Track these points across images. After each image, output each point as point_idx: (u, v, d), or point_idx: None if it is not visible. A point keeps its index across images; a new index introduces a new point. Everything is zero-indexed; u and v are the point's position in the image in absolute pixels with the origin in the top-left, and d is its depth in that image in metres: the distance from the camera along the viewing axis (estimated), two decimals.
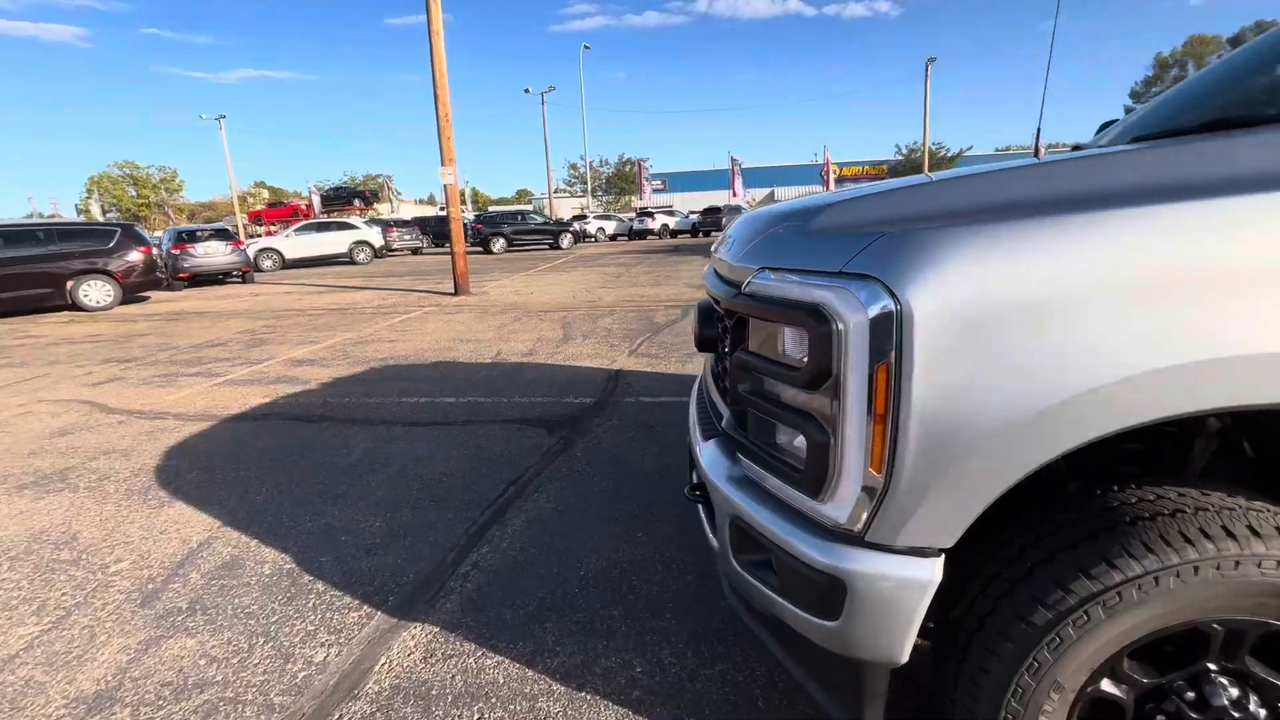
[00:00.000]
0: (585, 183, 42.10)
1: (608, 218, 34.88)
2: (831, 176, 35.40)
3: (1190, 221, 0.92)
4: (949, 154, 44.98)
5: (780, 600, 1.22)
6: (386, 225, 25.96)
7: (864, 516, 1.05)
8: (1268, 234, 0.89)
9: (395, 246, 25.81)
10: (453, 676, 1.77)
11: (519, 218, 26.38)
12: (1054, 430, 0.93)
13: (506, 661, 1.82)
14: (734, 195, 35.61)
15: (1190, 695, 1.04)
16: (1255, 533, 0.95)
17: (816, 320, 1.03)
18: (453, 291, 11.09)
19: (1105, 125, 2.57)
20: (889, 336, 0.96)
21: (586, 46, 36.36)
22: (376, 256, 22.53)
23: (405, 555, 2.42)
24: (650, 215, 32.99)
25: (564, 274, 14.30)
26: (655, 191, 48.40)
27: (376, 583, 2.25)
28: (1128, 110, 39.25)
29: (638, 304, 8.89)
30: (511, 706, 1.65)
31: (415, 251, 27.21)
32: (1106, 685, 1.06)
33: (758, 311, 1.22)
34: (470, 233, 23.11)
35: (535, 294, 10.65)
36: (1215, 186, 0.94)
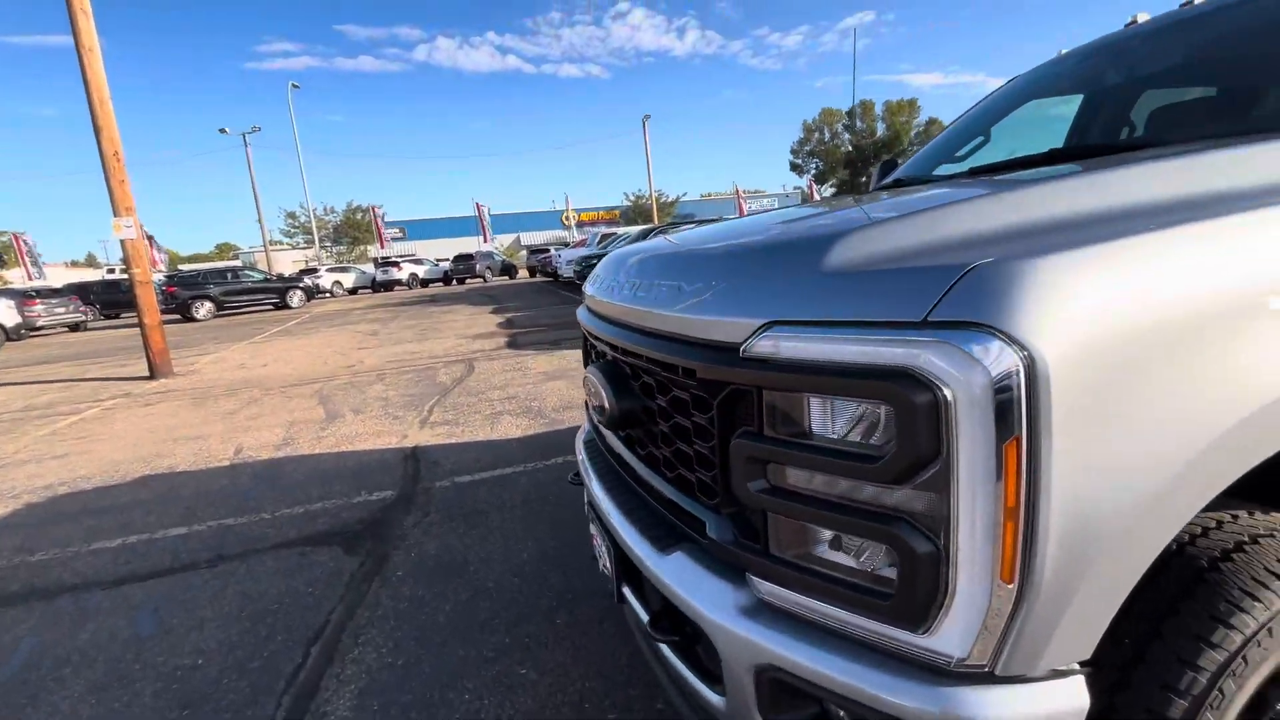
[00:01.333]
0: (310, 232, 37.39)
1: (344, 269, 31.49)
2: (572, 222, 37.16)
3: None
4: (669, 199, 50.75)
5: None
6: (25, 296, 19.53)
7: (993, 646, 0.77)
8: None
9: (42, 323, 19.53)
10: None
11: (229, 275, 22.11)
12: (1212, 472, 0.78)
13: None
14: (485, 241, 35.08)
15: None
16: None
17: (910, 389, 0.74)
18: (148, 374, 8.57)
19: (886, 165, 2.85)
20: (1018, 401, 0.71)
21: (295, 85, 32.72)
22: (10, 339, 16.74)
23: None
24: (395, 264, 30.61)
25: (303, 338, 12.22)
26: (394, 240, 45.34)
27: None
28: (794, 167, 48.34)
29: (410, 364, 7.87)
30: None
31: (75, 328, 20.95)
32: None
33: (787, 382, 0.88)
34: (163, 297, 18.63)
35: (270, 366, 8.79)
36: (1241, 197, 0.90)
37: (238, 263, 33.93)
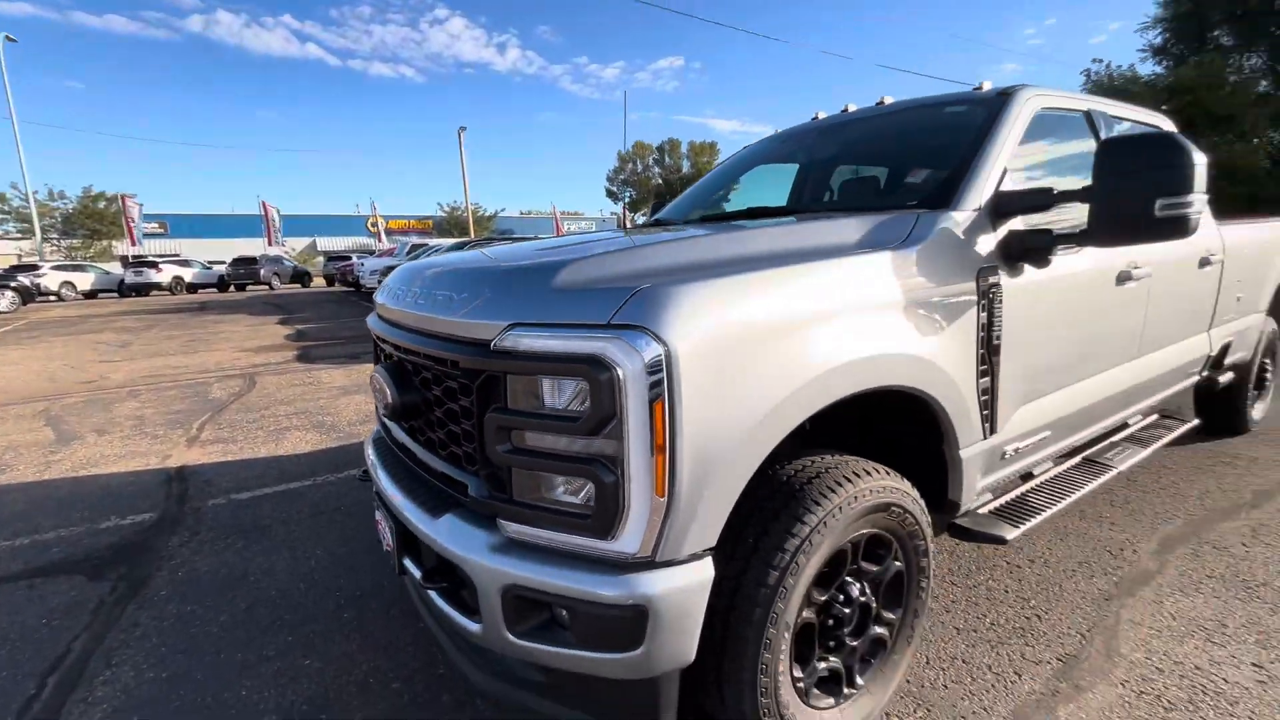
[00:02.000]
0: (28, 221, 29.99)
1: (78, 268, 25.83)
2: (381, 229, 34.81)
3: (836, 271, 1.38)
4: (487, 213, 49.86)
5: (579, 653, 1.22)
6: None
7: (654, 541, 1.16)
8: (863, 281, 1.41)
9: None
10: None
11: None
12: (773, 425, 1.24)
13: None
14: (271, 244, 31.26)
15: (841, 597, 1.51)
16: (861, 475, 1.46)
17: (598, 369, 1.10)
18: None
19: (657, 204, 3.41)
20: (662, 377, 1.11)
21: (10, 39, 26.24)
22: None
23: None
24: (153, 265, 25.92)
25: (17, 348, 9.93)
26: (150, 236, 38.35)
27: None
28: (610, 193, 50.78)
29: (174, 379, 6.91)
30: None
31: None
32: (805, 612, 1.44)
33: (520, 368, 1.20)
34: None
35: None
36: (835, 250, 1.44)
37: None
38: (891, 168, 2.40)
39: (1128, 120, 2.60)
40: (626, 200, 56.61)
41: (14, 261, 28.53)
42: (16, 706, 1.84)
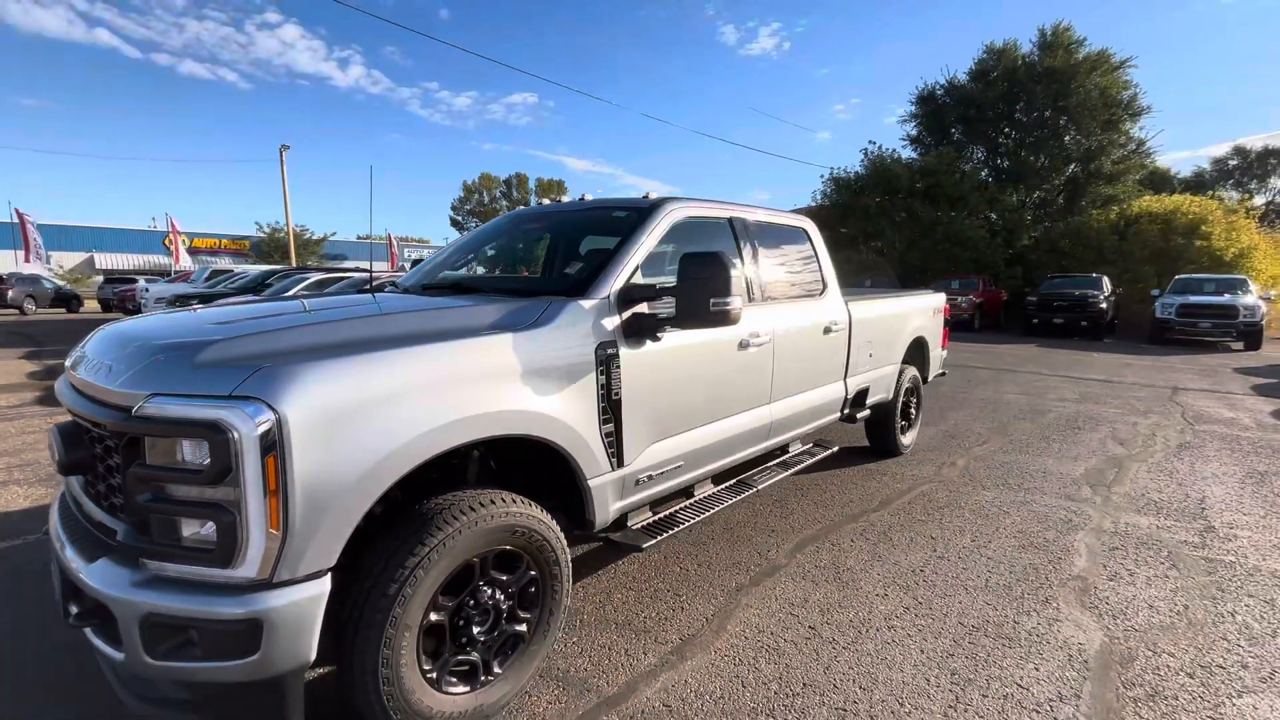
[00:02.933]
0: None
1: None
2: (182, 248, 30.80)
3: (451, 352, 1.81)
4: (314, 236, 46.26)
5: (205, 665, 1.50)
6: None
7: (270, 566, 1.49)
8: (481, 357, 1.86)
9: None
10: None
11: None
12: (382, 473, 1.63)
13: None
14: (29, 259, 26.28)
15: (473, 601, 1.93)
16: (486, 504, 1.90)
17: (217, 432, 1.42)
18: None
19: (415, 262, 3.76)
20: (273, 437, 1.46)
21: None
22: None
23: None
24: None
25: None
26: None
27: None
28: (454, 222, 49.90)
29: None
30: None
31: None
32: (433, 615, 1.83)
33: (157, 430, 1.48)
34: None
35: None
36: (454, 333, 1.88)
37: None
38: (564, 256, 3.01)
39: (767, 222, 3.47)
40: (471, 229, 55.88)
41: None
42: None
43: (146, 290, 18.47)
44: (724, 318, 2.28)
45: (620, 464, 2.36)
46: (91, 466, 1.74)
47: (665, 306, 2.43)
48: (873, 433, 5.00)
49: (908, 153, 26.38)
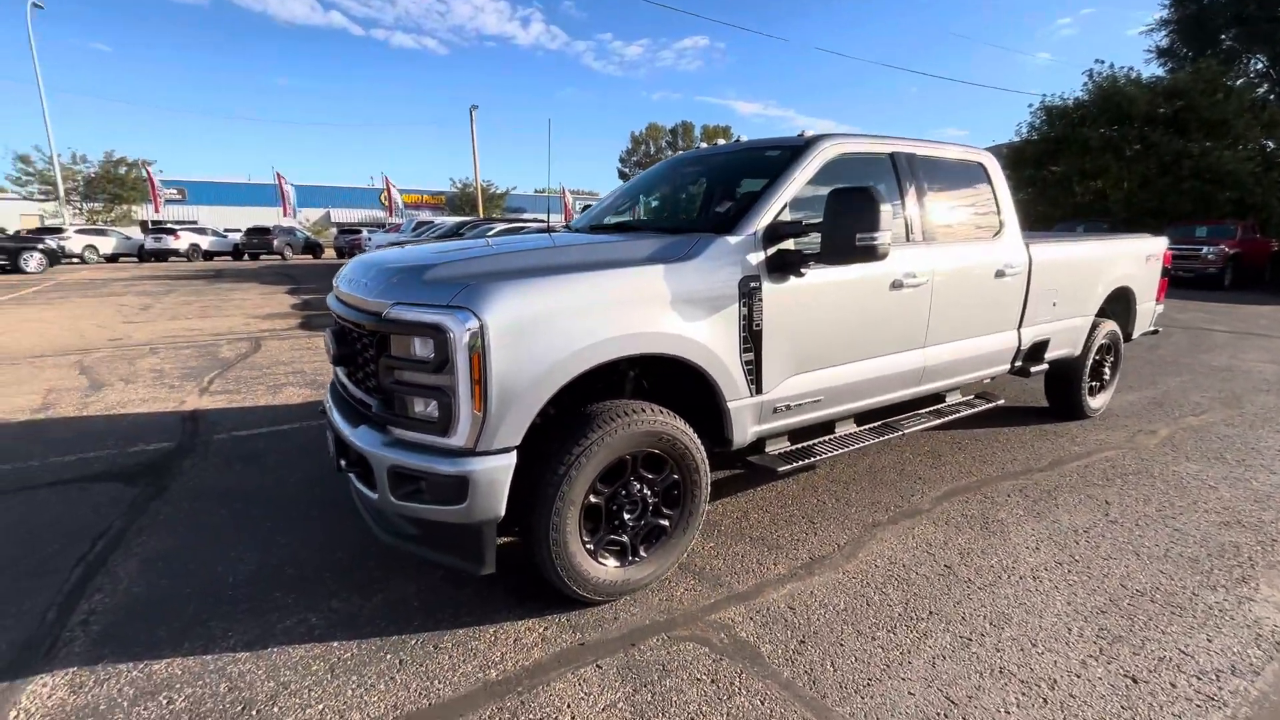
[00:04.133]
0: (51, 184, 31.04)
1: (100, 232, 26.86)
2: (398, 201, 35.52)
3: (610, 279, 2.12)
4: (498, 190, 50.52)
5: (430, 506, 1.99)
6: None
7: (474, 438, 1.92)
8: (635, 284, 2.15)
9: None
10: (120, 688, 1.88)
11: None
12: (555, 374, 1.99)
13: (178, 659, 2.02)
14: (286, 215, 32.11)
15: (624, 492, 2.27)
16: (637, 412, 2.21)
17: (438, 332, 1.86)
18: None
19: (584, 210, 4.13)
20: (477, 339, 1.86)
21: (38, 4, 27.04)
22: None
23: None
24: (172, 232, 26.90)
25: (47, 308, 10.85)
26: (171, 202, 39.35)
27: None
28: (622, 175, 51.17)
29: (189, 340, 7.76)
30: (201, 682, 1.92)
31: None
32: (592, 498, 2.20)
33: (398, 329, 1.96)
34: None
35: (7, 336, 7.96)
36: (614, 264, 2.18)
37: None
38: (719, 196, 3.13)
39: (936, 157, 3.28)
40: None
41: (37, 224, 29.64)
42: (78, 554, 2.65)
43: (369, 239, 21.81)
44: (870, 253, 2.30)
45: (759, 391, 2.53)
46: (353, 358, 2.33)
47: (814, 244, 2.50)
48: (1053, 391, 4.55)
49: (1151, 70, 21.68)
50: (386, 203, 35.85)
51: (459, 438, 1.92)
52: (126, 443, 4.03)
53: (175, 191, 43.09)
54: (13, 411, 4.70)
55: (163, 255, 26.40)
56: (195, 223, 31.83)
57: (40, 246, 19.71)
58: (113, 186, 36.79)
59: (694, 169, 3.57)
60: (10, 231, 24.41)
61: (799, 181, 2.67)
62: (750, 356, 2.46)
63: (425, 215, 36.93)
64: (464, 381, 1.88)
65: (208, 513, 3.06)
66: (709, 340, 2.32)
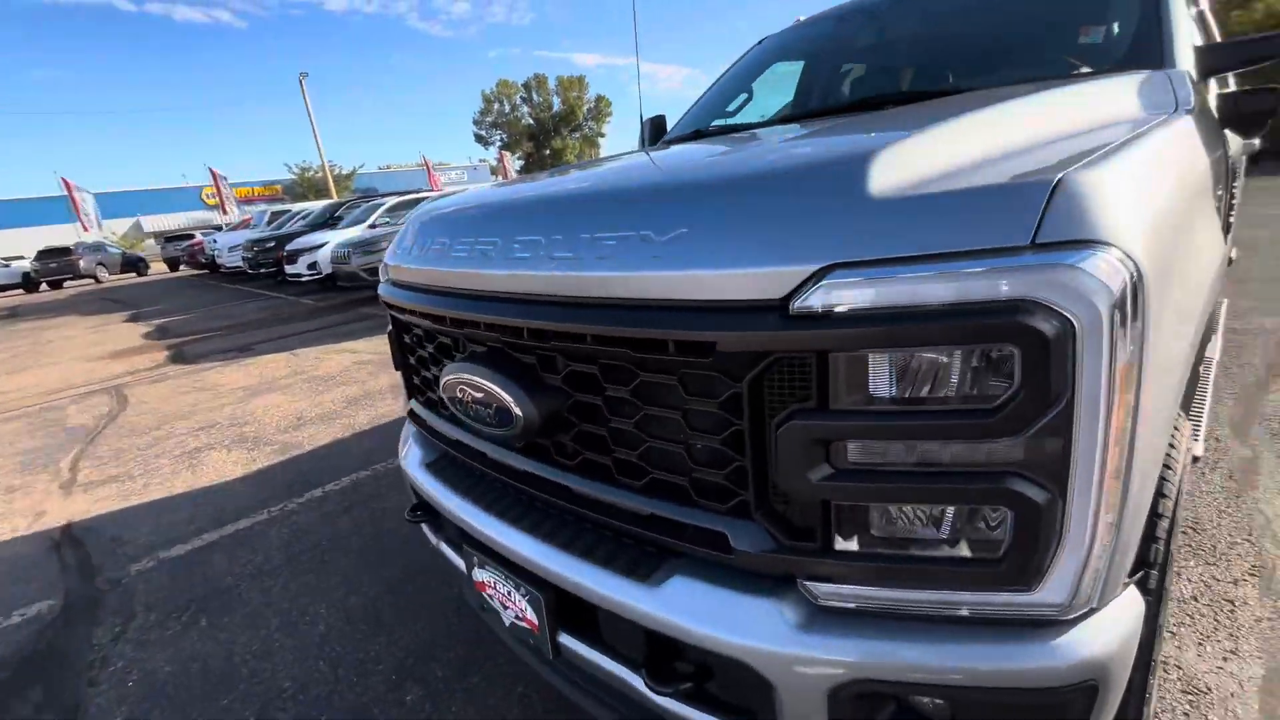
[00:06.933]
0: None
1: None
2: (231, 198, 30.21)
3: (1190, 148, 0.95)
4: (343, 171, 45.04)
5: None
6: None
7: (1090, 582, 0.74)
8: (1209, 160, 1.00)
9: None
10: None
11: None
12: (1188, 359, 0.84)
13: None
14: (86, 229, 26.40)
15: None
16: None
17: (1037, 322, 0.63)
18: None
19: (655, 123, 2.75)
20: (1134, 320, 0.67)
21: None
22: None
23: None
24: None
25: None
26: None
27: None
28: (478, 138, 47.30)
29: (6, 407, 5.44)
30: None
31: None
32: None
33: (864, 338, 0.70)
34: None
35: None
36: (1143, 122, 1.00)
37: None
38: (1024, 33, 1.94)
39: None
40: (498, 143, 53.21)
41: None
42: None
43: (215, 241, 18.21)
44: None
45: None
46: (579, 422, 1.01)
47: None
48: None
49: None
50: (215, 200, 30.37)
51: (1055, 588, 0.73)
52: None
53: None
54: None
55: None
56: None
57: None
58: None
59: (915, 6, 2.22)
60: None
61: None
62: None
63: (269, 207, 31.97)
64: (1089, 443, 0.68)
65: None
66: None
